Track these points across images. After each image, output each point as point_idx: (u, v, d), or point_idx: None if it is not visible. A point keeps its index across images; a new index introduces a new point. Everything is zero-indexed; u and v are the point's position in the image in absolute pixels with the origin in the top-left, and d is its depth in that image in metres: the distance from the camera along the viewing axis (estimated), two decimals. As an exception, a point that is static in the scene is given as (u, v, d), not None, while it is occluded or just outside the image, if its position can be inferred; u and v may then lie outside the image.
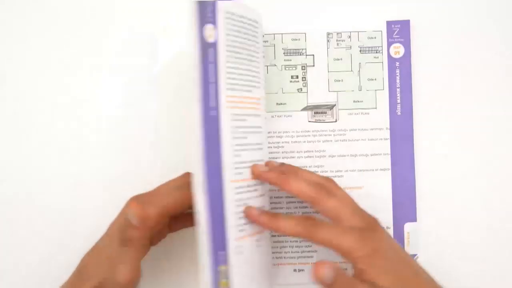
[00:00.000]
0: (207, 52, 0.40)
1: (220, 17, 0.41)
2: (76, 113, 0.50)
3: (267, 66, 0.50)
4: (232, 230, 0.40)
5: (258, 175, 0.43)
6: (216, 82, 0.41)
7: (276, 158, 0.50)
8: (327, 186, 0.42)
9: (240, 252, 0.40)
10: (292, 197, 0.50)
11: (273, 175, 0.42)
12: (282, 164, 0.45)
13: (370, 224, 0.41)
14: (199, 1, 0.40)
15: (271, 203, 0.49)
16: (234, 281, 0.39)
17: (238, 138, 0.42)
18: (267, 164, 0.45)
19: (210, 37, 0.41)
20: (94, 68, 0.51)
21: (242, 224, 0.41)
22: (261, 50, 0.46)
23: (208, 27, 0.40)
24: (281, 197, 0.50)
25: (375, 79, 0.50)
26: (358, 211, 0.42)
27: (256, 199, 0.43)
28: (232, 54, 0.42)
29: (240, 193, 0.42)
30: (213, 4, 0.41)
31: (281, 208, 0.50)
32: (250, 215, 0.41)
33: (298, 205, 0.50)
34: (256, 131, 0.45)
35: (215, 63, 0.41)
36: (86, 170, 0.50)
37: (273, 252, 0.49)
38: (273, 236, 0.49)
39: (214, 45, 0.41)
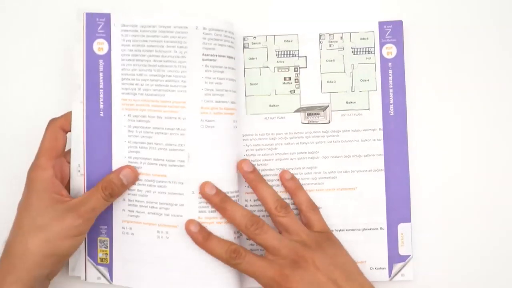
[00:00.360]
0: (97, 63, 0.47)
1: (115, 30, 0.47)
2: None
3: (259, 68, 0.50)
4: (119, 212, 0.48)
5: (203, 195, 0.46)
6: (105, 88, 0.47)
7: (270, 160, 0.50)
8: (260, 220, 0.45)
9: (127, 233, 0.48)
10: (286, 198, 0.50)
11: (214, 200, 0.46)
12: (253, 171, 0.48)
13: (294, 261, 0.44)
14: (89, 14, 0.47)
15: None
16: (113, 252, 0.48)
17: (136, 137, 0.47)
18: (240, 164, 0.48)
19: (100, 50, 0.47)
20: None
21: (135, 211, 0.47)
22: (194, 54, 0.47)
23: (99, 42, 0.47)
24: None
25: (368, 80, 0.50)
26: (286, 245, 0.44)
27: (159, 195, 0.47)
28: (131, 62, 0.47)
29: (135, 184, 0.47)
30: (106, 19, 0.47)
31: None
32: (187, 228, 0.46)
33: (292, 206, 0.50)
34: (168, 132, 0.47)
35: (105, 72, 0.47)
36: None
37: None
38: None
39: (105, 56, 0.47)
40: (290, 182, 0.49)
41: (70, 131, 0.47)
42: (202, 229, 0.46)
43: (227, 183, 0.47)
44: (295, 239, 0.45)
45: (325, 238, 0.46)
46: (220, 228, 0.47)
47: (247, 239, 0.49)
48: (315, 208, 0.48)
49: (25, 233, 0.43)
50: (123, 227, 0.48)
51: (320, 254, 0.44)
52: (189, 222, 0.46)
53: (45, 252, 0.43)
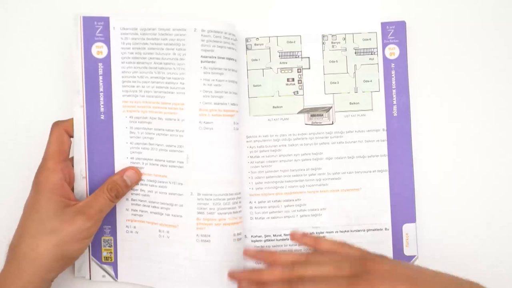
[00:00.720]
0: (96, 67, 0.47)
1: (114, 34, 0.47)
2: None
3: (262, 69, 0.50)
4: (122, 212, 0.48)
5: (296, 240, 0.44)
6: (105, 91, 0.47)
7: (274, 161, 0.50)
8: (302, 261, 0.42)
9: (131, 232, 0.48)
10: (290, 200, 0.50)
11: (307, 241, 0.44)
12: (305, 234, 0.45)
13: (359, 271, 0.39)
14: (86, 18, 0.47)
15: (269, 207, 0.50)
16: (118, 250, 0.49)
17: (138, 138, 0.48)
18: (292, 237, 0.45)
19: (99, 54, 0.47)
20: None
21: (139, 210, 0.48)
22: (193, 56, 0.47)
23: (97, 45, 0.47)
24: (279, 200, 0.50)
25: (371, 81, 0.50)
26: (343, 261, 0.40)
27: (161, 195, 0.47)
28: (132, 65, 0.48)
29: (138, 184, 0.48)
30: (105, 22, 0.47)
31: (279, 211, 0.50)
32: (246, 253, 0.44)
33: (297, 208, 0.50)
34: (168, 133, 0.47)
35: (105, 75, 0.47)
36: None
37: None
38: (270, 240, 0.50)
39: (104, 60, 0.47)
40: (306, 238, 0.45)
41: (73, 136, 0.47)
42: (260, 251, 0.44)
43: (228, 185, 0.47)
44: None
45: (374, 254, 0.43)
46: (218, 230, 0.47)
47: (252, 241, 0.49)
48: (344, 243, 0.44)
49: (35, 237, 0.43)
50: (127, 226, 0.49)
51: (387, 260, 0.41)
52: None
53: (55, 255, 0.43)
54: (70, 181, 0.47)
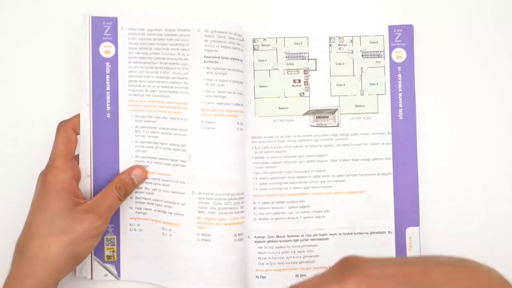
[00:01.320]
0: (104, 66, 0.48)
1: (122, 34, 0.48)
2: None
3: (269, 70, 0.50)
4: (126, 210, 0.49)
5: None
6: (112, 90, 0.48)
7: (278, 162, 0.50)
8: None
9: (135, 230, 0.49)
10: (294, 201, 0.50)
11: None
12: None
13: None
14: (95, 18, 0.47)
15: (273, 208, 0.50)
16: (121, 249, 0.49)
17: (143, 137, 0.48)
18: None
19: (107, 53, 0.48)
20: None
21: (143, 208, 0.48)
22: (196, 57, 0.47)
23: (105, 45, 0.48)
24: (283, 202, 0.50)
25: (377, 84, 0.50)
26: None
27: (164, 193, 0.48)
28: (138, 65, 0.48)
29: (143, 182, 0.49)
30: (113, 22, 0.47)
31: (283, 213, 0.50)
32: None
33: (300, 209, 0.50)
34: (172, 132, 0.48)
35: (112, 74, 0.48)
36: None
37: (274, 258, 0.49)
38: (273, 241, 0.49)
39: (111, 59, 0.48)
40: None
41: (79, 133, 0.47)
42: None
43: (229, 185, 0.47)
44: None
45: None
46: (219, 230, 0.47)
47: (256, 244, 0.49)
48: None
49: (45, 237, 0.42)
50: (130, 224, 0.49)
51: None
52: None
53: (67, 255, 0.43)
54: (77, 179, 0.47)
